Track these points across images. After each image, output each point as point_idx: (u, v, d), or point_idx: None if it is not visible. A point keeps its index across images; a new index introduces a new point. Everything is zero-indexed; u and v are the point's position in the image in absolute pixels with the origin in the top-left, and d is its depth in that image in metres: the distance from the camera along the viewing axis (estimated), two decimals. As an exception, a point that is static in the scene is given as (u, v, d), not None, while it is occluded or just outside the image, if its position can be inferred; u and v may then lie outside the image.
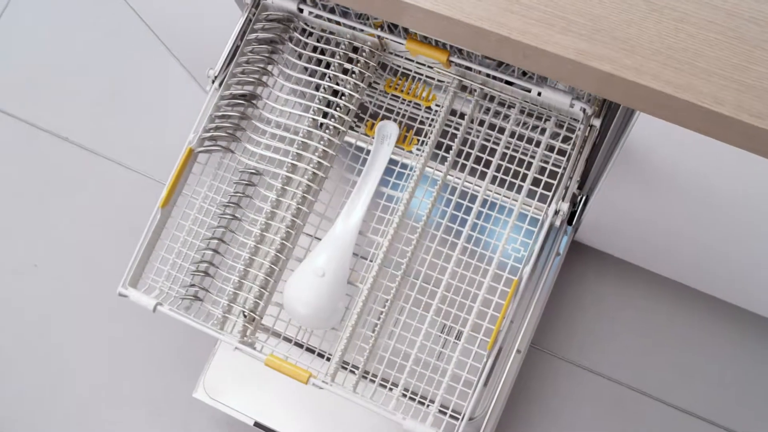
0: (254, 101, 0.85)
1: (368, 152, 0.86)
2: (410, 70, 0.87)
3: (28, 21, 1.60)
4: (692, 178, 0.83)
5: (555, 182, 0.78)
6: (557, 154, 0.82)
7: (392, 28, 0.84)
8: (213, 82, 0.84)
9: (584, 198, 1.19)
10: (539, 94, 0.78)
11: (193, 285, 0.82)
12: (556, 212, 0.76)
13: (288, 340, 0.86)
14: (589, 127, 0.78)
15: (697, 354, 1.24)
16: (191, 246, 0.84)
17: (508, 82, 0.80)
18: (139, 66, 1.53)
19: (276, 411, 1.23)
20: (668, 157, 0.81)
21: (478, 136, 0.83)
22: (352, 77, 0.83)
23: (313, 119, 0.84)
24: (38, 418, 1.34)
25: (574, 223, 1.22)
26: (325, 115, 0.84)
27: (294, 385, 1.23)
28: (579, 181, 1.17)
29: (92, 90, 1.53)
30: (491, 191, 0.82)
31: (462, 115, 0.85)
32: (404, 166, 0.85)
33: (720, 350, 1.24)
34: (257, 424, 1.22)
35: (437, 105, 0.84)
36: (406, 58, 0.86)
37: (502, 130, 0.83)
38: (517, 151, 0.83)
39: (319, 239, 0.83)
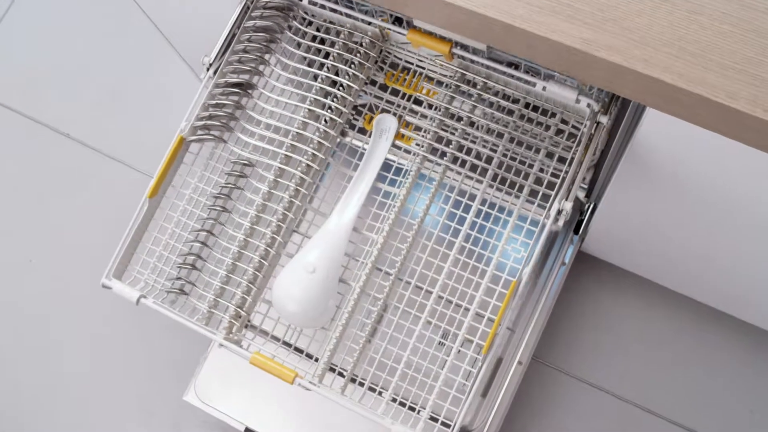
0: (250, 91, 0.82)
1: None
2: (411, 64, 0.84)
3: (32, 18, 1.59)
4: (703, 183, 0.79)
5: (558, 181, 0.74)
6: (562, 151, 0.79)
7: (398, 23, 0.82)
8: (208, 69, 0.81)
9: (592, 206, 1.15)
10: (544, 89, 0.75)
11: (179, 278, 0.79)
12: (559, 212, 0.73)
13: (276, 339, 0.83)
14: (595, 124, 0.74)
15: (705, 372, 1.20)
16: (179, 238, 0.81)
17: (512, 76, 0.77)
18: (142, 64, 1.52)
19: (267, 416, 1.20)
20: (677, 160, 0.78)
21: (479, 132, 0.80)
22: (351, 68, 0.81)
23: (310, 110, 0.81)
24: (27, 416, 1.31)
25: (580, 232, 1.18)
26: (322, 105, 0.81)
27: (286, 391, 1.19)
28: (586, 189, 1.14)
29: (95, 87, 1.51)
30: (489, 193, 0.79)
31: (463, 110, 0.82)
32: (407, 150, 0.82)
33: (730, 369, 1.20)
34: (248, 430, 1.18)
35: (438, 101, 0.81)
36: (408, 51, 0.83)
37: (505, 125, 0.80)
38: (520, 146, 0.79)
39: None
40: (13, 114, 1.52)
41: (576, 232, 1.19)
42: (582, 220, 1.18)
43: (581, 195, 1.18)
